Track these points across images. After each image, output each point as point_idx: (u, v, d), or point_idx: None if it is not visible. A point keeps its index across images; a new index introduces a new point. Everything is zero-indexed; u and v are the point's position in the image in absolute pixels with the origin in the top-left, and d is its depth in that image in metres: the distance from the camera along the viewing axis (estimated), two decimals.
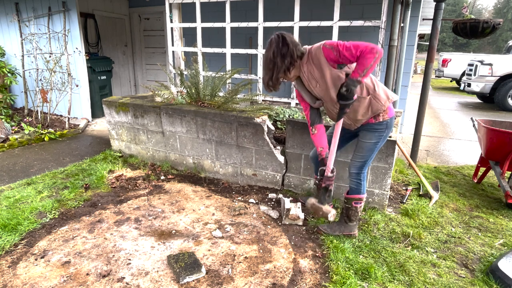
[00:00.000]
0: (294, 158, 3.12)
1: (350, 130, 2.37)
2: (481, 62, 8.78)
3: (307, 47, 2.14)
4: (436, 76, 14.18)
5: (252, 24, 4.02)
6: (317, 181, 2.27)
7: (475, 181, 3.60)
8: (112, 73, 6.67)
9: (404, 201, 3.06)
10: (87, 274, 2.08)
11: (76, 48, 5.49)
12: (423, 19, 5.63)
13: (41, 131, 4.99)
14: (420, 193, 3.23)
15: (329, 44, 2.00)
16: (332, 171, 2.20)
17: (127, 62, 7.95)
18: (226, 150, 3.41)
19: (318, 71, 2.08)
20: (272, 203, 3.04)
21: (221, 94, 3.79)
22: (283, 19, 3.94)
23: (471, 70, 9.13)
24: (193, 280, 2.01)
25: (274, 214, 2.81)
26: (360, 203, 2.39)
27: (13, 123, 5.44)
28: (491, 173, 3.66)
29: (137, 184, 3.39)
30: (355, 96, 1.99)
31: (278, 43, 2.03)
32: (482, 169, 3.55)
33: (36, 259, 2.21)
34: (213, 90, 3.65)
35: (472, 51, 29.57)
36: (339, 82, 2.04)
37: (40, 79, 5.72)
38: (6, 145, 4.55)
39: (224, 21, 4.16)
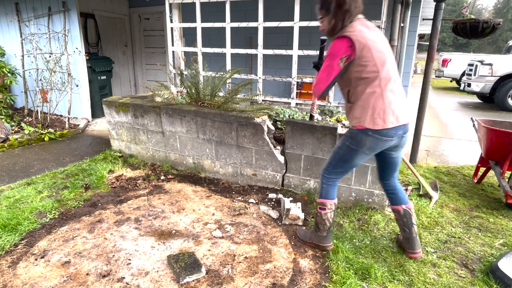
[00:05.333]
0: (294, 158, 3.12)
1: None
2: (481, 62, 8.78)
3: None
4: (436, 76, 14.18)
5: (252, 24, 4.02)
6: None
7: (475, 181, 3.60)
8: (112, 73, 6.67)
9: None
10: (87, 274, 2.08)
11: (76, 48, 5.49)
12: (423, 19, 5.63)
13: (41, 131, 4.99)
14: (420, 193, 3.23)
15: (328, 52, 2.01)
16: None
17: (127, 62, 7.95)
18: (226, 150, 3.41)
19: None
20: (272, 203, 3.04)
21: (221, 94, 3.79)
22: (283, 19, 3.94)
23: (471, 70, 9.13)
24: (193, 280, 2.01)
25: (274, 214, 2.81)
26: (324, 209, 2.23)
27: (13, 123, 5.44)
28: (491, 173, 3.66)
29: (137, 184, 3.39)
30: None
31: None
32: (482, 169, 3.54)
33: (36, 259, 2.21)
34: (213, 90, 3.65)
35: (472, 51, 29.56)
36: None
37: (40, 79, 5.72)
38: (6, 145, 4.55)
39: (224, 21, 4.16)
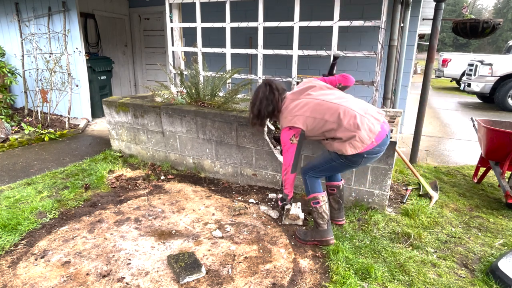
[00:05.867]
0: None
1: None
2: (481, 62, 8.78)
3: (286, 96, 2.33)
4: (436, 76, 14.18)
5: (252, 24, 4.02)
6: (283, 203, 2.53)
7: (475, 181, 3.60)
8: (112, 73, 6.67)
9: (404, 201, 3.06)
10: (87, 274, 2.08)
11: (76, 48, 5.49)
12: (423, 19, 5.63)
13: (41, 131, 4.99)
14: (420, 193, 3.23)
15: (283, 135, 2.23)
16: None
17: (127, 62, 7.95)
18: (226, 150, 3.41)
19: None
20: (272, 203, 3.04)
21: (221, 94, 3.79)
22: (283, 19, 3.94)
23: (471, 70, 9.13)
24: (193, 280, 2.01)
25: (274, 214, 2.81)
26: (318, 203, 2.33)
27: (13, 123, 5.44)
28: (491, 173, 3.66)
29: (137, 184, 3.39)
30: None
31: (265, 91, 2.29)
32: (482, 169, 3.54)
33: (36, 259, 2.22)
34: (213, 90, 3.65)
35: (472, 51, 29.56)
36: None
37: (40, 79, 5.72)
38: (6, 145, 4.55)
39: (224, 21, 4.16)
